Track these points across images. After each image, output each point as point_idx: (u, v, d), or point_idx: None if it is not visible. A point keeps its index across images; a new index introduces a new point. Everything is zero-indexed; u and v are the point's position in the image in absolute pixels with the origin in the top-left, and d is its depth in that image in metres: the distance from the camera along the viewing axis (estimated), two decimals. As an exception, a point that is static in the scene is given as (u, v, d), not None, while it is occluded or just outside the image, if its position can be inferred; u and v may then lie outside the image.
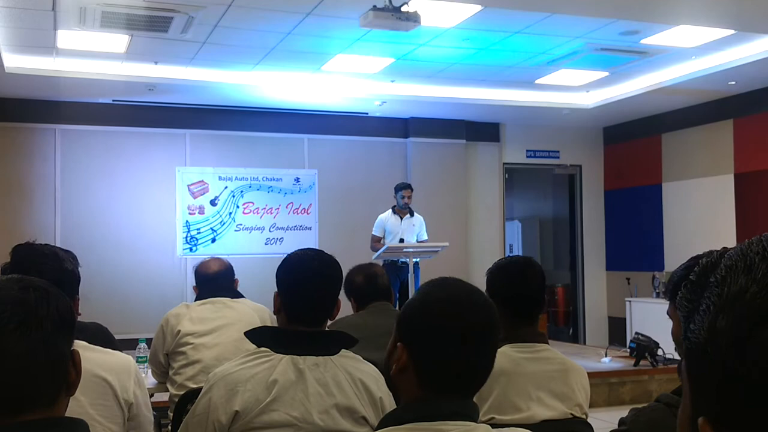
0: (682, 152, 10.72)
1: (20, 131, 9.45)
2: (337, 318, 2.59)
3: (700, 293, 0.75)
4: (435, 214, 10.12)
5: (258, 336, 2.34)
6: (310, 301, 2.36)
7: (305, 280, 2.36)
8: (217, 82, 8.96)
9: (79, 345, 2.29)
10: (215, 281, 3.96)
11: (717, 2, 6.54)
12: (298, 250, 2.46)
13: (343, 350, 2.35)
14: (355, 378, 2.29)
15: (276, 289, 2.40)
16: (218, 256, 4.32)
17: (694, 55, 8.41)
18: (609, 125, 11.93)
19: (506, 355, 2.61)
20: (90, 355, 2.33)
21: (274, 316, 2.49)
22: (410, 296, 1.56)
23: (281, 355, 2.25)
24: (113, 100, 9.61)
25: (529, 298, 2.67)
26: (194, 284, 4.09)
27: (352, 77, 9.14)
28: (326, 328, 2.46)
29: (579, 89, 9.99)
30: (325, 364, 2.27)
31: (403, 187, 8.77)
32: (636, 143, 11.49)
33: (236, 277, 4.11)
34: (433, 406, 1.50)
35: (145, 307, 9.30)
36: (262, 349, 2.28)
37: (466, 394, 1.54)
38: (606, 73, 9.18)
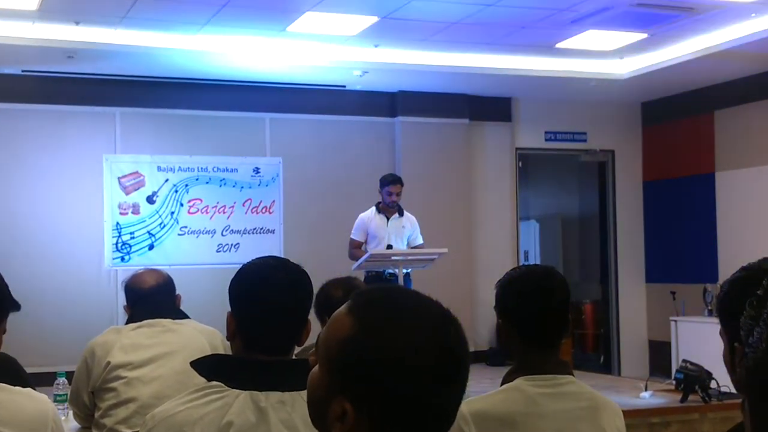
0: (739, 133, 10.77)
1: None
2: (306, 344, 2.59)
3: (766, 306, 0.76)
4: (431, 213, 10.12)
5: (208, 367, 2.34)
6: (273, 322, 2.36)
7: (266, 296, 2.36)
8: (155, 47, 8.93)
9: None
10: (152, 299, 3.96)
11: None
12: (257, 258, 2.46)
13: (315, 384, 2.34)
14: (331, 419, 2.28)
15: (229, 309, 2.40)
16: (154, 267, 4.32)
17: (753, 11, 8.45)
18: (648, 100, 11.98)
19: (521, 390, 2.62)
20: None
21: (227, 342, 2.49)
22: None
23: (237, 391, 2.24)
24: (22, 71, 9.56)
25: (550, 319, 2.67)
26: (125, 303, 4.08)
27: (325, 41, 9.13)
28: (294, 356, 2.46)
29: (611, 55, 10.02)
30: (292, 402, 2.27)
31: (391, 181, 8.77)
32: (682, 123, 11.54)
33: (178, 292, 4.11)
34: None
35: (65, 332, 9.25)
36: (214, 383, 2.27)
37: None
38: (644, 35, 9.21)
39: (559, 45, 9.50)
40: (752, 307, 0.81)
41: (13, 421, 2.34)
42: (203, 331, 3.94)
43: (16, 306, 2.63)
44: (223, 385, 2.26)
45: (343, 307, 1.46)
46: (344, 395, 1.38)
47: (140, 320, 3.89)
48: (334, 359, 1.41)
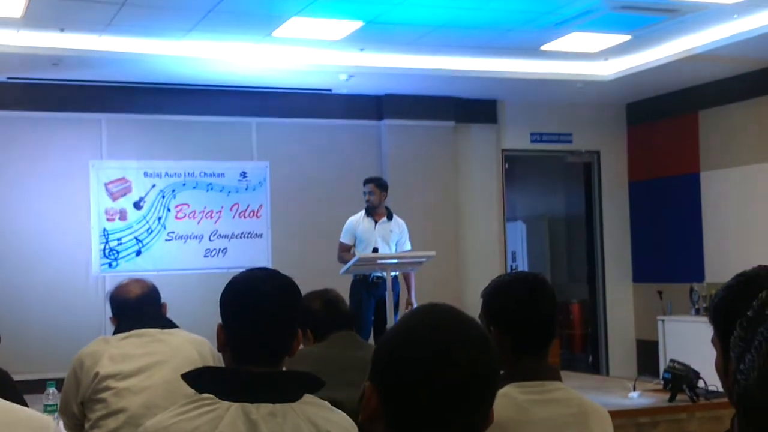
0: (724, 133, 10.81)
1: None
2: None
3: (756, 330, 0.76)
4: (417, 216, 10.12)
5: (199, 379, 2.34)
6: (262, 334, 2.39)
7: (254, 307, 2.39)
8: (140, 53, 8.90)
9: None
10: (139, 308, 3.95)
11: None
12: (246, 270, 2.49)
13: (306, 395, 2.36)
14: (322, 430, 2.30)
15: (219, 320, 2.42)
16: (138, 277, 4.31)
17: (736, 13, 8.48)
18: (633, 101, 12.01)
19: (510, 397, 2.61)
20: None
21: (216, 352, 2.50)
22: (388, 318, 1.58)
23: (228, 403, 2.25)
24: (8, 78, 9.53)
25: (539, 326, 2.69)
26: (111, 315, 4.07)
27: (310, 46, 9.13)
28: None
29: (595, 57, 10.04)
30: (283, 414, 2.28)
31: (366, 182, 8.82)
32: (667, 123, 11.57)
33: (164, 300, 4.11)
34: None
35: (53, 339, 9.22)
36: (205, 395, 2.28)
37: None
38: (628, 37, 9.23)
39: (543, 47, 9.52)
40: (742, 328, 0.81)
41: (13, 421, 2.35)
42: (192, 341, 3.94)
43: None
44: (214, 397, 2.27)
45: None
46: (371, 383, 1.56)
47: (128, 330, 3.89)
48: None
